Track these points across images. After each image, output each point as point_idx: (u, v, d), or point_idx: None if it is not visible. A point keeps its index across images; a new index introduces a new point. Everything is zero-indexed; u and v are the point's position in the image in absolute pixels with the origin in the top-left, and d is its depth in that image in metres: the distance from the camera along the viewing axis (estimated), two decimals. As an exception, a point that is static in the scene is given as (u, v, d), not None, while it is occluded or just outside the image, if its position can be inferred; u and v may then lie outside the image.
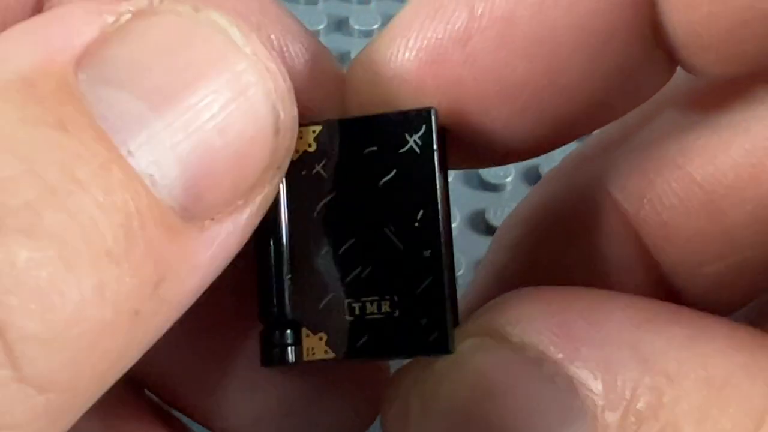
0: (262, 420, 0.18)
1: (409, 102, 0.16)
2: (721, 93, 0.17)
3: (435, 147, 0.15)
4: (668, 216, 0.17)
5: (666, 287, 0.18)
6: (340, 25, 0.37)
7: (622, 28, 0.15)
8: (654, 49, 0.16)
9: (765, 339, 0.14)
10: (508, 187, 0.32)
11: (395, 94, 0.16)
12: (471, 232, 0.31)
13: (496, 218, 0.31)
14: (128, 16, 0.12)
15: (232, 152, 0.12)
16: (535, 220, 0.19)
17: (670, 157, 0.17)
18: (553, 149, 0.17)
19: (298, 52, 0.17)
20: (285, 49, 0.17)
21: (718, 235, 0.17)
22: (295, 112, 0.14)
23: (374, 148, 0.16)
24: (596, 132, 0.19)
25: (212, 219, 0.13)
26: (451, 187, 0.32)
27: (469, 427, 0.15)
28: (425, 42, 0.15)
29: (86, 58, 0.12)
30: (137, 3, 0.13)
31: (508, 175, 0.32)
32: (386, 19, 0.36)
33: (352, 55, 0.35)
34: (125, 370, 0.12)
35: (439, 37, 0.15)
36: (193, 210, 0.12)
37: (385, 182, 0.16)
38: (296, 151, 0.16)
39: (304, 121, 0.16)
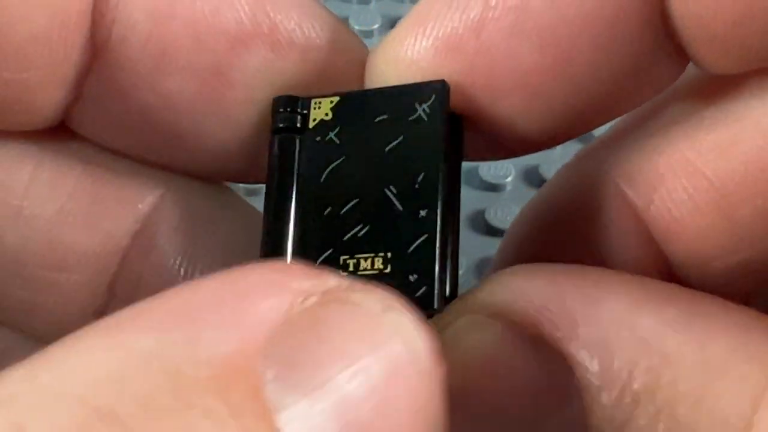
0: None
1: None
2: (729, 85, 0.17)
3: (442, 114, 0.16)
4: (678, 211, 0.17)
5: (675, 281, 0.18)
6: (340, 25, 0.37)
7: (633, 20, 0.15)
8: (665, 41, 0.16)
9: (761, 321, 0.14)
10: (508, 187, 0.32)
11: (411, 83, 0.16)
12: (471, 232, 0.31)
13: (496, 218, 0.31)
14: (314, 299, 0.12)
15: None
16: (542, 216, 0.19)
17: (680, 151, 0.17)
18: (566, 140, 0.18)
19: (318, 32, 0.17)
20: (305, 29, 0.17)
21: (728, 230, 0.17)
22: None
23: (385, 116, 0.16)
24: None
25: None
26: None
27: (461, 409, 0.15)
28: (441, 31, 0.16)
29: (271, 350, 0.11)
30: (324, 281, 0.12)
31: (508, 175, 0.32)
32: (386, 19, 0.36)
33: (353, 55, 0.35)
34: None
35: (455, 26, 0.16)
36: None
37: (391, 147, 0.16)
38: (313, 119, 0.17)
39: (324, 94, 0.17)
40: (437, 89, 0.16)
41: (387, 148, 0.16)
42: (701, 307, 0.14)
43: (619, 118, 0.19)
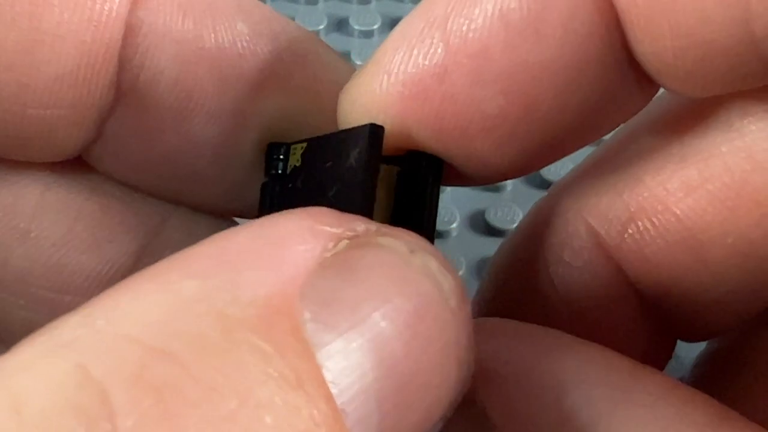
0: None
1: (395, 135, 0.16)
2: (697, 116, 0.17)
3: (368, 163, 0.15)
4: (649, 250, 0.17)
5: (650, 315, 0.18)
6: (340, 25, 0.37)
7: (596, 61, 0.15)
8: (631, 75, 0.16)
9: (690, 406, 0.14)
10: (508, 188, 0.32)
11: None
12: (471, 232, 0.31)
13: (496, 218, 0.31)
14: (345, 244, 0.12)
15: (420, 412, 0.12)
16: (517, 253, 0.20)
17: (649, 190, 0.17)
18: (540, 169, 0.18)
19: (323, 75, 0.18)
20: (315, 75, 0.18)
21: (699, 268, 0.17)
22: (472, 366, 0.13)
23: (330, 163, 0.16)
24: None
25: None
26: (451, 187, 0.32)
27: None
28: (406, 77, 0.16)
29: (308, 291, 0.12)
30: (354, 227, 0.13)
31: (508, 175, 0.32)
32: (386, 19, 0.36)
33: (353, 56, 0.35)
34: None
35: (418, 72, 0.16)
36: None
37: (332, 194, 0.16)
38: (290, 165, 0.17)
39: (299, 139, 0.17)
40: (363, 136, 0.15)
41: (330, 195, 0.16)
42: (631, 387, 0.14)
43: (590, 153, 0.19)
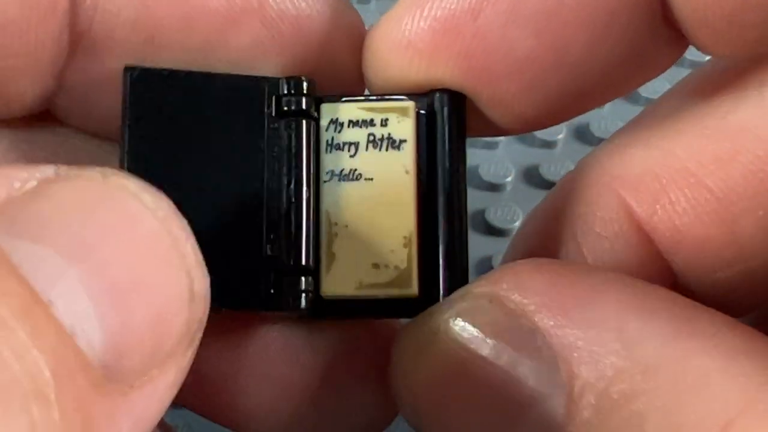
0: (282, 410, 0.18)
1: (422, 71, 0.16)
2: (729, 88, 0.17)
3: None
4: (680, 222, 0.17)
5: (679, 289, 0.18)
6: (340, 24, 0.37)
7: (630, 8, 0.16)
8: (663, 27, 0.16)
9: (752, 341, 0.14)
10: (508, 187, 0.32)
11: (409, 63, 0.16)
12: (471, 232, 0.31)
13: (496, 218, 0.31)
14: (34, 183, 0.12)
15: (150, 315, 0.12)
16: (546, 225, 0.20)
17: (682, 162, 0.17)
18: (563, 121, 0.18)
19: (310, 3, 0.17)
20: (296, 1, 0.17)
21: (730, 241, 0.17)
22: (207, 283, 0.13)
23: None
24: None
25: (131, 386, 0.12)
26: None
27: (453, 388, 0.15)
28: (439, 12, 0.16)
29: None
30: (43, 171, 0.13)
31: (508, 175, 0.32)
32: (386, 19, 0.36)
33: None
34: None
35: (452, 8, 0.16)
36: (114, 371, 0.12)
37: None
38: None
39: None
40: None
41: None
42: (693, 321, 0.14)
43: (620, 127, 0.19)
